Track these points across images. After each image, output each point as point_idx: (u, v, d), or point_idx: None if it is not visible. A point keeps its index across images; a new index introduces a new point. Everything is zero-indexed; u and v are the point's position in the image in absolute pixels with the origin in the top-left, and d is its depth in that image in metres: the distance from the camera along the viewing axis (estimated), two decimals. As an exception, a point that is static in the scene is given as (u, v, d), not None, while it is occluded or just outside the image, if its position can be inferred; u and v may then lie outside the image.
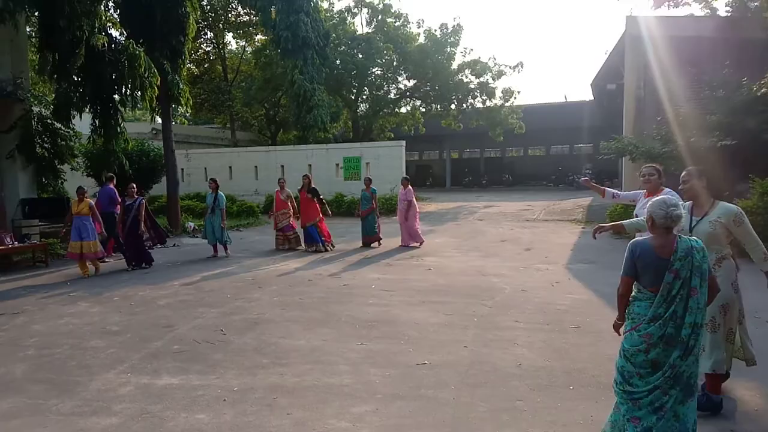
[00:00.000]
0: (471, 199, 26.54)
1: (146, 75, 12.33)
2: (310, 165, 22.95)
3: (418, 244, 12.51)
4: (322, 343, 5.63)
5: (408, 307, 7.02)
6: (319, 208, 12.36)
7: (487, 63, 27.51)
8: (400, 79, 31.05)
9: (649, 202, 3.16)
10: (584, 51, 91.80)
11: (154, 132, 25.97)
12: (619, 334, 3.31)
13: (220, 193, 11.93)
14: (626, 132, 17.73)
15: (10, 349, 5.70)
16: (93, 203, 10.12)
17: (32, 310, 7.39)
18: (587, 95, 71.13)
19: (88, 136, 13.80)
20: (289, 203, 12.55)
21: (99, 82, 12.17)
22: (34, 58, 15.67)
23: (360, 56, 27.51)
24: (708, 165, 4.40)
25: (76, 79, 12.12)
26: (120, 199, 10.98)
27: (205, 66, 30.83)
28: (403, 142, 22.00)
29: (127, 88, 12.54)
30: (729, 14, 17.12)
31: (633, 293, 3.19)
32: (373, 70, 28.41)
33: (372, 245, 12.59)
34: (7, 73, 12.51)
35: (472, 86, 28.59)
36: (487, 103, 28.97)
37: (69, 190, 14.29)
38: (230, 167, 24.40)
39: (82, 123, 14.89)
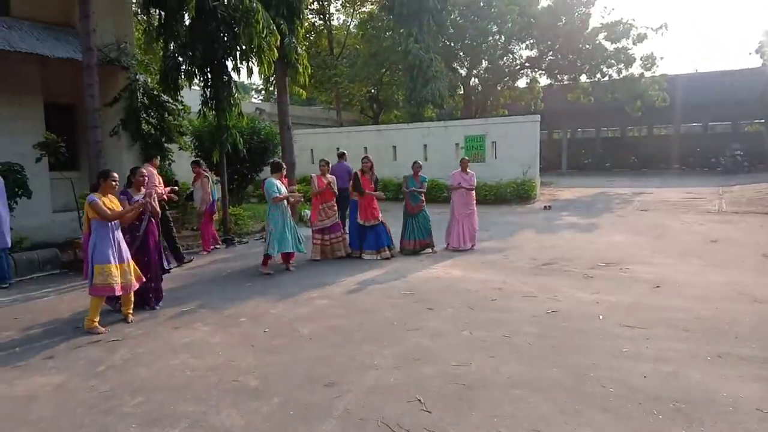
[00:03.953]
0: (605, 185, 23.06)
1: (264, 35, 10.24)
2: (425, 145, 20.44)
3: (473, 245, 9.77)
4: (628, 456, 3.09)
5: (705, 366, 4.30)
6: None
7: (629, 24, 23.48)
8: (516, 49, 27.67)
9: None
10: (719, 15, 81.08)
11: (258, 112, 24.49)
12: None
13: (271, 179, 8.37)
14: None
15: (101, 423, 3.63)
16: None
17: (136, 336, 5.43)
18: (721, 65, 62.14)
19: (197, 111, 12.05)
20: (333, 193, 9.31)
21: (210, 44, 10.25)
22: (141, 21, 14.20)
23: (477, 21, 24.40)
24: None
25: (184, 40, 10.26)
26: (128, 194, 6.25)
27: (311, 38, 29.01)
28: (538, 117, 18.82)
29: (241, 51, 10.53)
30: None
31: None
32: (493, 37, 25.17)
33: (424, 252, 9.52)
34: (111, 37, 10.93)
35: (607, 53, 24.68)
36: (623, 72, 24.99)
37: (177, 172, 12.70)
38: (337, 149, 22.36)
39: (190, 97, 13.26)
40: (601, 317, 5.61)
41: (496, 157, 18.89)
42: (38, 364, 4.68)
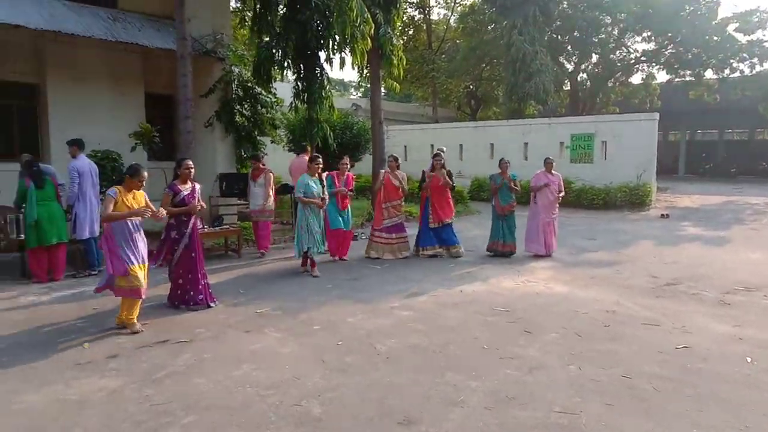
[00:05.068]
0: (732, 192, 20.55)
1: (358, 23, 9.76)
2: (526, 143, 19.19)
3: (549, 252, 8.92)
4: None
5: None
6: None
7: (767, 13, 20.72)
8: (631, 41, 25.40)
9: None
10: None
11: (354, 108, 24.37)
12: None
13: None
14: None
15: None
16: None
17: (205, 338, 5.07)
18: None
19: (288, 104, 11.88)
20: (401, 191, 8.82)
21: (303, 34, 9.94)
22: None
23: (588, 12, 22.62)
24: None
25: (278, 31, 10.02)
26: (175, 187, 5.84)
27: (410, 33, 28.47)
28: (656, 115, 16.99)
29: (334, 41, 10.13)
30: None
31: None
32: (605, 29, 23.26)
33: (505, 254, 8.88)
34: (208, 28, 10.95)
35: (738, 46, 21.97)
36: (757, 67, 22.18)
37: (270, 165, 12.61)
38: (432, 145, 21.64)
39: (284, 90, 13.16)
40: (749, 360, 4.48)
41: (605, 159, 17.32)
42: (100, 364, 4.41)
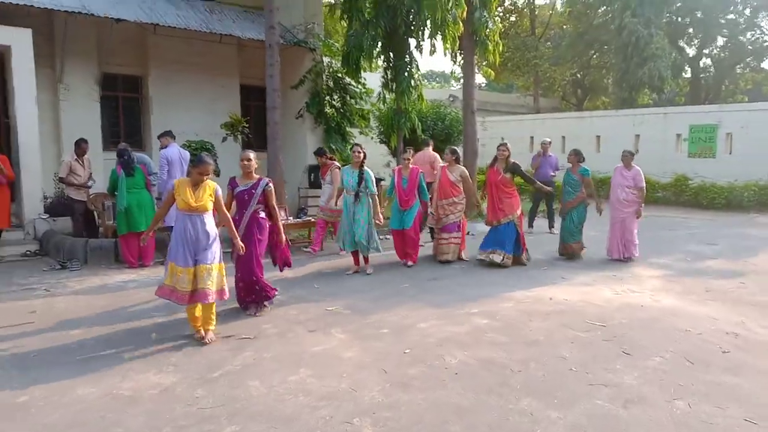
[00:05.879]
0: None
1: (449, 6, 9.23)
2: (637, 135, 17.56)
3: (633, 257, 7.99)
4: None
5: None
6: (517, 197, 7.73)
7: None
8: (763, 23, 22.50)
9: None
10: None
11: (451, 99, 23.69)
12: None
13: (367, 170, 7.13)
14: None
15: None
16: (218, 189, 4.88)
17: (269, 336, 4.88)
18: None
19: (377, 94, 11.60)
20: (461, 187, 7.80)
21: (393, 19, 9.57)
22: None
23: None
24: None
25: (367, 17, 9.72)
26: (233, 182, 5.47)
27: (511, 20, 27.17)
28: (795, 104, 14.88)
29: (424, 26, 9.67)
30: None
31: None
32: (735, 8, 20.76)
33: (572, 255, 8.17)
34: (299, 18, 10.92)
35: None
36: None
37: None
38: (531, 138, 20.51)
39: (374, 81, 12.91)
40: None
41: (730, 153, 15.46)
42: (161, 358, 4.33)
